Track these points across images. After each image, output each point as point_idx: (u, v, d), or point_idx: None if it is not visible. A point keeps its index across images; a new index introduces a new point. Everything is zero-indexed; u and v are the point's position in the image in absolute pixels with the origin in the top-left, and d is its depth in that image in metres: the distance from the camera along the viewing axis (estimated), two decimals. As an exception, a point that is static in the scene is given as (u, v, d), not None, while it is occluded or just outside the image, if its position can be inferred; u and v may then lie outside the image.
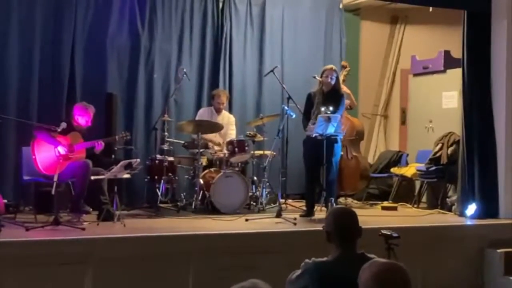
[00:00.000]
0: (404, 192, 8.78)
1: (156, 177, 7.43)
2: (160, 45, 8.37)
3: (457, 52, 8.91)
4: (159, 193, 7.41)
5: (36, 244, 5.27)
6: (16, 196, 7.11)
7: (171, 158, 7.65)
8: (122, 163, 6.19)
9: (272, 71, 7.72)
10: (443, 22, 10.04)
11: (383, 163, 9.05)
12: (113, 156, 7.29)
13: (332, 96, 7.14)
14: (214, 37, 8.79)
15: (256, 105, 9.04)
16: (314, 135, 6.82)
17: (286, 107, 7.00)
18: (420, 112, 9.10)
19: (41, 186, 6.84)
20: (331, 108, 6.81)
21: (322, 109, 6.83)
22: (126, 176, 6.35)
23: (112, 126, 7.60)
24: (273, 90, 9.05)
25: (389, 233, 4.47)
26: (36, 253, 5.18)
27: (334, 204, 6.83)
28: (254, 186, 7.79)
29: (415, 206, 8.30)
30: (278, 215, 6.68)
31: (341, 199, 8.35)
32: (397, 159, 9.00)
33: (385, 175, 8.94)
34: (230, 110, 8.60)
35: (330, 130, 6.75)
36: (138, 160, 6.45)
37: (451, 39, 9.94)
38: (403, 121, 10.26)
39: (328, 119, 6.65)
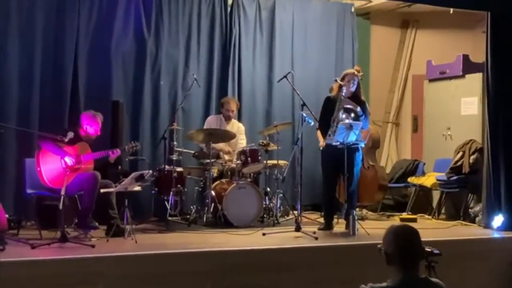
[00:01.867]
0: (421, 203, 8.41)
1: (164, 189, 7.04)
2: (166, 50, 8.01)
3: (473, 56, 8.62)
4: (168, 206, 7.03)
5: (44, 264, 4.85)
6: (17, 210, 6.70)
7: (180, 169, 7.27)
8: (133, 175, 5.80)
9: (285, 76, 7.32)
10: (455, 26, 9.77)
11: (398, 172, 8.69)
12: (119, 167, 6.92)
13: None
14: (222, 42, 8.44)
15: (266, 113, 8.69)
16: (334, 144, 6.44)
17: (304, 114, 6.62)
18: (437, 119, 8.74)
19: (44, 200, 6.47)
20: (352, 115, 6.45)
21: (343, 115, 6.46)
22: (137, 188, 5.95)
23: (119, 136, 7.21)
24: (283, 97, 8.74)
25: (430, 249, 4.06)
26: (44, 274, 4.76)
27: (356, 217, 6.47)
28: (267, 198, 7.39)
29: (435, 217, 7.93)
30: (298, 229, 6.29)
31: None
32: (413, 168, 8.64)
33: (402, 185, 8.57)
34: (239, 118, 8.23)
35: (352, 138, 6.39)
36: (150, 171, 6.06)
37: (465, 43, 9.70)
38: (415, 129, 9.92)
39: (350, 127, 6.28)
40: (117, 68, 7.67)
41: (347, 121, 6.41)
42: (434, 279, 2.89)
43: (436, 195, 8.39)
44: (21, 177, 6.36)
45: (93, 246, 5.34)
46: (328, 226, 6.74)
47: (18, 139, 6.84)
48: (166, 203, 7.04)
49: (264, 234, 6.30)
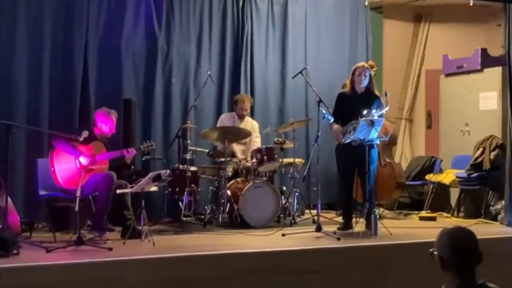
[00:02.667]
0: (439, 201, 8.21)
1: (178, 189, 6.87)
2: (178, 47, 7.83)
3: (488, 50, 8.42)
4: (182, 206, 6.85)
5: (60, 269, 4.67)
6: (28, 212, 6.52)
7: (194, 168, 7.09)
8: (151, 175, 5.62)
9: (301, 72, 7.15)
10: (468, 20, 9.60)
11: (415, 170, 8.49)
12: (132, 167, 6.74)
13: (366, 97, 6.58)
14: (234, 38, 8.26)
15: (279, 110, 8.51)
16: (349, 141, 6.25)
17: (324, 111, 6.43)
18: (454, 115, 8.52)
19: (57, 201, 6.28)
20: (373, 111, 6.26)
21: (364, 112, 6.28)
22: (154, 189, 5.77)
23: (131, 135, 7.02)
24: (296, 94, 8.56)
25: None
26: (60, 279, 4.58)
27: (378, 216, 6.29)
28: (283, 197, 7.21)
29: (454, 216, 7.74)
30: (318, 229, 6.11)
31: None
32: (430, 165, 8.44)
33: (419, 182, 8.38)
34: (251, 116, 8.04)
35: (373, 135, 6.21)
36: (168, 171, 5.87)
37: (479, 37, 9.53)
38: (429, 125, 9.73)
39: (371, 123, 6.09)
40: (128, 66, 7.49)
41: (375, 115, 6.20)
42: (491, 285, 2.70)
43: (453, 192, 8.19)
44: (33, 178, 6.19)
45: (110, 249, 5.16)
46: (347, 225, 6.56)
47: (29, 139, 6.66)
48: (180, 203, 6.89)
49: (283, 235, 6.12)
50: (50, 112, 6.93)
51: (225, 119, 7.69)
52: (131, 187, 5.66)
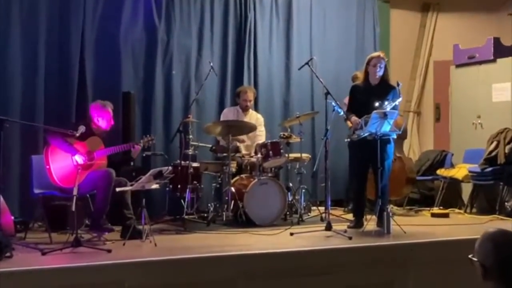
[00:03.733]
0: (449, 197, 7.91)
1: (180, 186, 6.56)
2: (178, 38, 7.54)
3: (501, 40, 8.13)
4: (184, 204, 6.55)
5: (56, 273, 4.35)
6: (22, 212, 6.23)
7: (196, 164, 6.79)
8: (152, 172, 5.31)
9: (307, 63, 6.84)
10: (478, 9, 9.31)
11: (425, 164, 8.18)
12: (132, 163, 6.43)
13: (381, 89, 6.27)
14: (237, 28, 7.96)
15: (284, 103, 8.20)
16: (363, 135, 5.95)
17: (333, 103, 6.12)
18: (465, 107, 8.20)
19: (53, 200, 5.99)
20: (386, 103, 5.95)
21: (376, 104, 5.97)
22: (155, 186, 5.45)
23: (131, 129, 6.72)
24: (301, 86, 8.27)
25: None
26: (56, 284, 4.28)
27: (391, 214, 5.98)
28: (289, 194, 6.90)
29: (467, 212, 7.44)
30: (328, 227, 5.81)
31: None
32: (441, 159, 8.14)
33: (430, 177, 8.07)
34: (255, 109, 7.72)
35: (385, 128, 5.89)
36: (170, 168, 5.56)
37: (489, 27, 9.23)
38: (438, 118, 9.43)
39: (384, 115, 5.77)
40: (127, 57, 7.19)
41: (388, 107, 5.90)
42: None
43: (466, 188, 7.88)
44: (27, 175, 5.88)
45: (109, 251, 4.86)
46: (358, 223, 6.27)
47: (23, 135, 6.37)
48: (182, 201, 6.60)
49: (291, 234, 5.82)
50: (45, 106, 6.64)
51: (228, 113, 7.39)
52: (131, 185, 5.34)
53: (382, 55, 6.41)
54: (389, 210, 5.98)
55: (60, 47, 6.79)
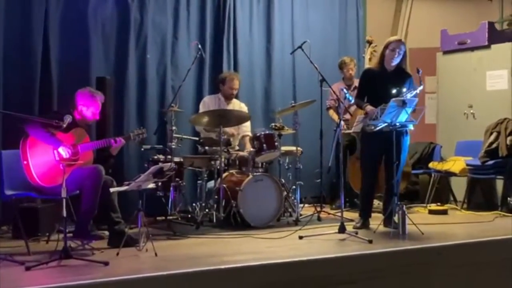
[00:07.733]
0: (439, 191, 7.45)
1: (162, 183, 5.78)
2: (153, 17, 6.75)
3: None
4: (168, 205, 5.82)
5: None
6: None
7: (179, 159, 6.04)
8: (152, 169, 4.53)
9: (300, 47, 6.24)
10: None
11: (414, 157, 7.68)
12: (112, 160, 5.58)
13: (398, 76, 5.72)
14: (215, 8, 7.24)
15: (265, 90, 7.54)
16: (381, 126, 5.35)
17: (345, 90, 5.50)
18: (455, 96, 7.72)
19: (20, 202, 5.14)
20: (404, 90, 5.40)
21: (394, 91, 5.40)
22: (151, 186, 4.69)
23: (106, 120, 5.87)
24: (284, 73, 7.62)
25: None
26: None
27: (406, 212, 5.42)
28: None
29: (465, 208, 6.99)
30: (342, 230, 5.20)
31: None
32: (430, 152, 7.68)
33: (421, 171, 7.58)
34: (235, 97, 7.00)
35: (402, 117, 5.34)
36: (172, 164, 4.79)
37: (468, 12, 8.91)
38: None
39: (403, 104, 5.20)
40: (96, 38, 6.36)
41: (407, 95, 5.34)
42: None
43: (456, 182, 7.42)
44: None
45: (106, 264, 4.08)
46: (365, 223, 5.71)
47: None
48: (163, 200, 5.86)
49: (301, 238, 5.18)
50: (4, 94, 5.72)
51: (209, 102, 6.66)
52: (128, 184, 4.55)
53: (403, 40, 5.85)
54: (404, 208, 5.41)
55: (21, 28, 5.89)
